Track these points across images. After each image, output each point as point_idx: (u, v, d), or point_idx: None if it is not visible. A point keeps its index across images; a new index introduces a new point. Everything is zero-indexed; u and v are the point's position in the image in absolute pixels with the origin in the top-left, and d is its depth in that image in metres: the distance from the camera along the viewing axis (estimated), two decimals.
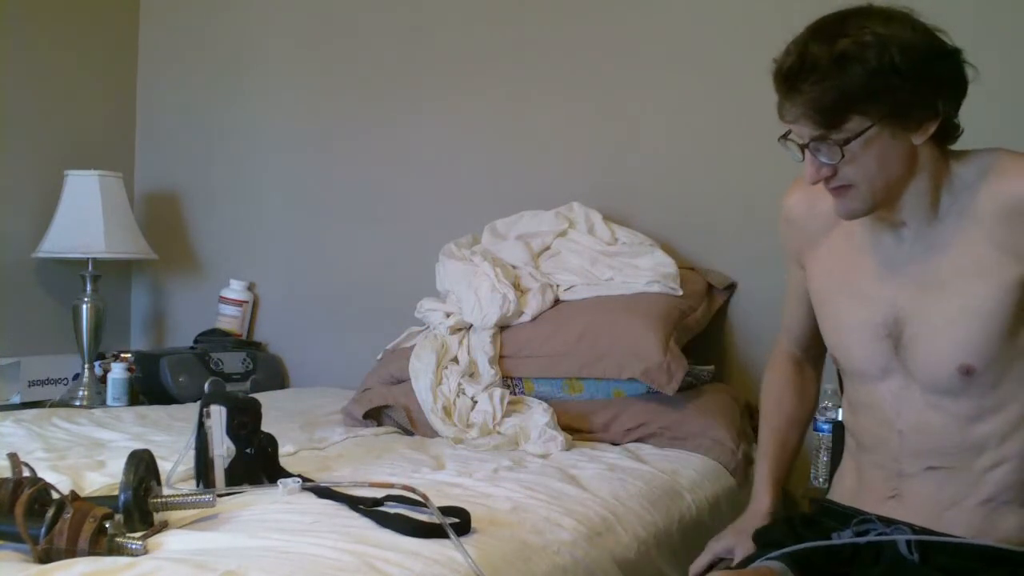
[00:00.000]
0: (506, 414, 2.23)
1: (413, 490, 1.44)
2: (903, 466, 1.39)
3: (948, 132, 1.32)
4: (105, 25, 3.42)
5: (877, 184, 1.30)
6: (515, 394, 2.34)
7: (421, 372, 2.32)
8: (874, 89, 1.23)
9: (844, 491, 1.50)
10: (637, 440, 2.24)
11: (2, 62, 3.06)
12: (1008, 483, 1.33)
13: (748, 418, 2.36)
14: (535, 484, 1.73)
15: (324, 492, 1.52)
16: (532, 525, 1.50)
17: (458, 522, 1.37)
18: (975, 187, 1.30)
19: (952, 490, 1.35)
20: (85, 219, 2.98)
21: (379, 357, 2.59)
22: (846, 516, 1.42)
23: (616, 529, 1.63)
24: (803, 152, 1.30)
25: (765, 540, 1.47)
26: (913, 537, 1.34)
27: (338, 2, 3.21)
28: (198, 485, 1.60)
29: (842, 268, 1.44)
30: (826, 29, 1.27)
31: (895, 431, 1.39)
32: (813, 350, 1.64)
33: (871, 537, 1.36)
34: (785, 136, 1.32)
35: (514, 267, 2.53)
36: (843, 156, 1.27)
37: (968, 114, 1.33)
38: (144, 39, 3.53)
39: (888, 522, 1.37)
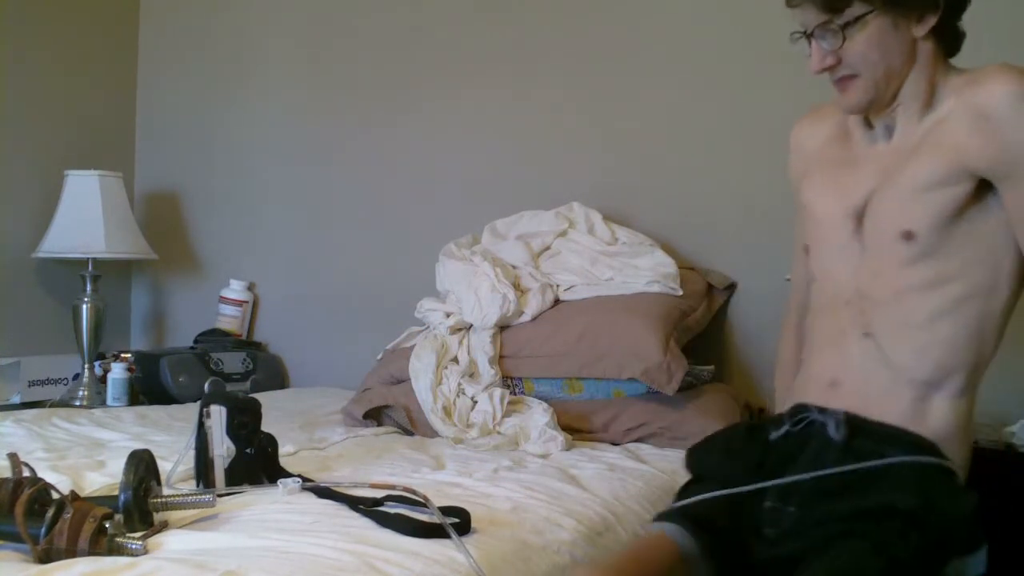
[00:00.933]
0: (506, 414, 2.23)
1: (413, 492, 1.44)
2: (848, 342, 1.43)
3: (950, 36, 1.39)
4: (105, 25, 3.42)
5: (879, 73, 1.37)
6: (515, 394, 2.34)
7: (421, 372, 2.32)
8: None
9: (795, 388, 1.55)
10: (637, 440, 2.24)
11: (2, 62, 3.06)
12: (939, 367, 1.37)
13: (748, 418, 2.36)
14: (535, 484, 1.73)
15: (324, 492, 1.52)
16: (532, 525, 1.50)
17: (458, 522, 1.37)
18: (961, 90, 1.36)
19: (886, 373, 1.39)
20: (85, 219, 2.98)
21: (379, 357, 2.59)
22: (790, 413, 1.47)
23: (616, 529, 1.63)
24: (809, 42, 1.38)
25: (700, 471, 1.54)
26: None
27: (338, 2, 3.21)
28: (198, 485, 1.60)
29: (832, 169, 1.51)
30: None
31: (843, 302, 1.45)
32: None
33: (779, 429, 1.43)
34: (802, 34, 1.39)
35: (514, 267, 2.53)
36: (844, 40, 1.34)
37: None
38: (144, 39, 3.53)
39: (824, 411, 1.42)
